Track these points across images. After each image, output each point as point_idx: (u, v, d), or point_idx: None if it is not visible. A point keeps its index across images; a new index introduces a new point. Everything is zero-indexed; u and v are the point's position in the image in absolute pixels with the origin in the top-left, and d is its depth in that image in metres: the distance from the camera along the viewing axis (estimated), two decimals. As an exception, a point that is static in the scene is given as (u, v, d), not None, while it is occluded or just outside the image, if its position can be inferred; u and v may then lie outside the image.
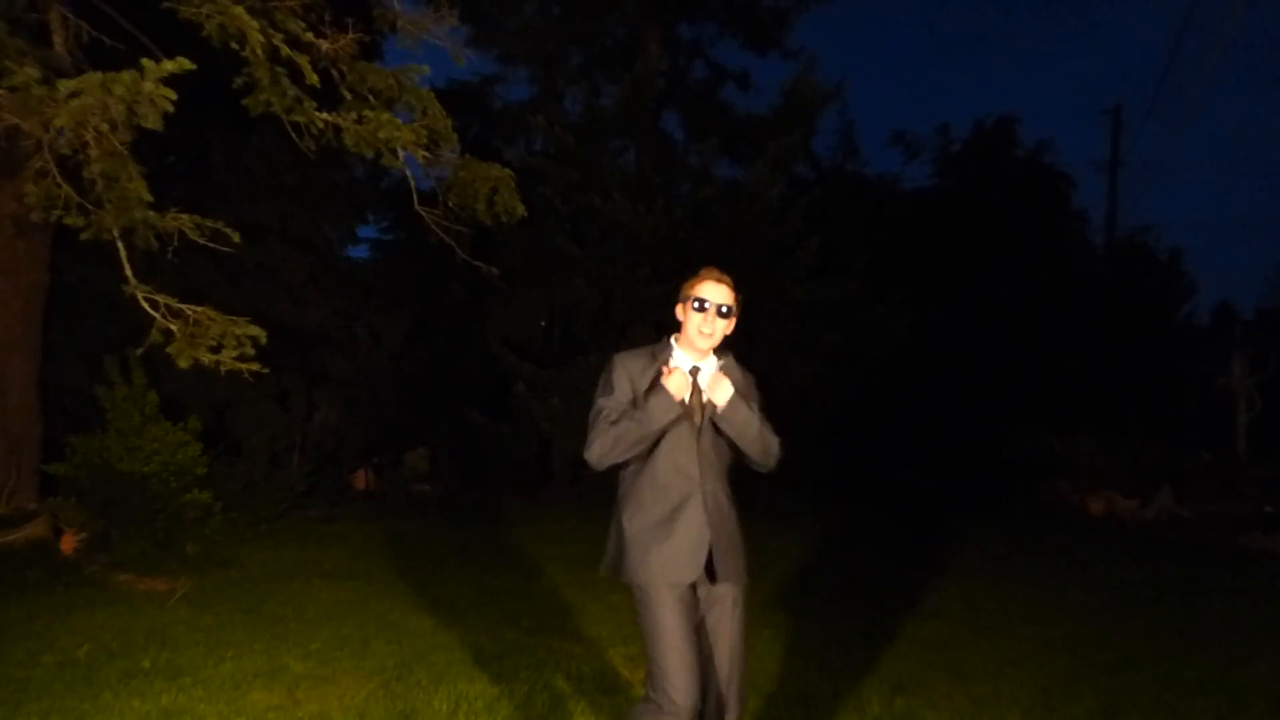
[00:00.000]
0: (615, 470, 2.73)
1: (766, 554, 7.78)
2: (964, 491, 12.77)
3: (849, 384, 11.48)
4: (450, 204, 6.91)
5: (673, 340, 2.77)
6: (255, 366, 5.71)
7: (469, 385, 12.27)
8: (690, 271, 2.77)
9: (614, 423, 2.60)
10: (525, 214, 7.20)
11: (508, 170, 6.99)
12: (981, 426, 14.13)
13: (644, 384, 2.65)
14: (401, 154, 6.39)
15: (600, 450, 2.60)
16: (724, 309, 2.67)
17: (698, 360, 2.72)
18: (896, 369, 12.91)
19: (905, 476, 13.32)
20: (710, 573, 2.62)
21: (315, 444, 10.63)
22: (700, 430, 2.68)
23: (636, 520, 2.64)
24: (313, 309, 10.98)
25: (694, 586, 2.64)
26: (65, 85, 4.75)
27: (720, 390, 2.65)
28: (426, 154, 6.48)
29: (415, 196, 7.00)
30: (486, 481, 11.93)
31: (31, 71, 4.79)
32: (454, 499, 11.30)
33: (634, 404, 2.63)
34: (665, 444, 2.64)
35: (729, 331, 2.72)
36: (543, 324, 12.15)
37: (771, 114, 12.52)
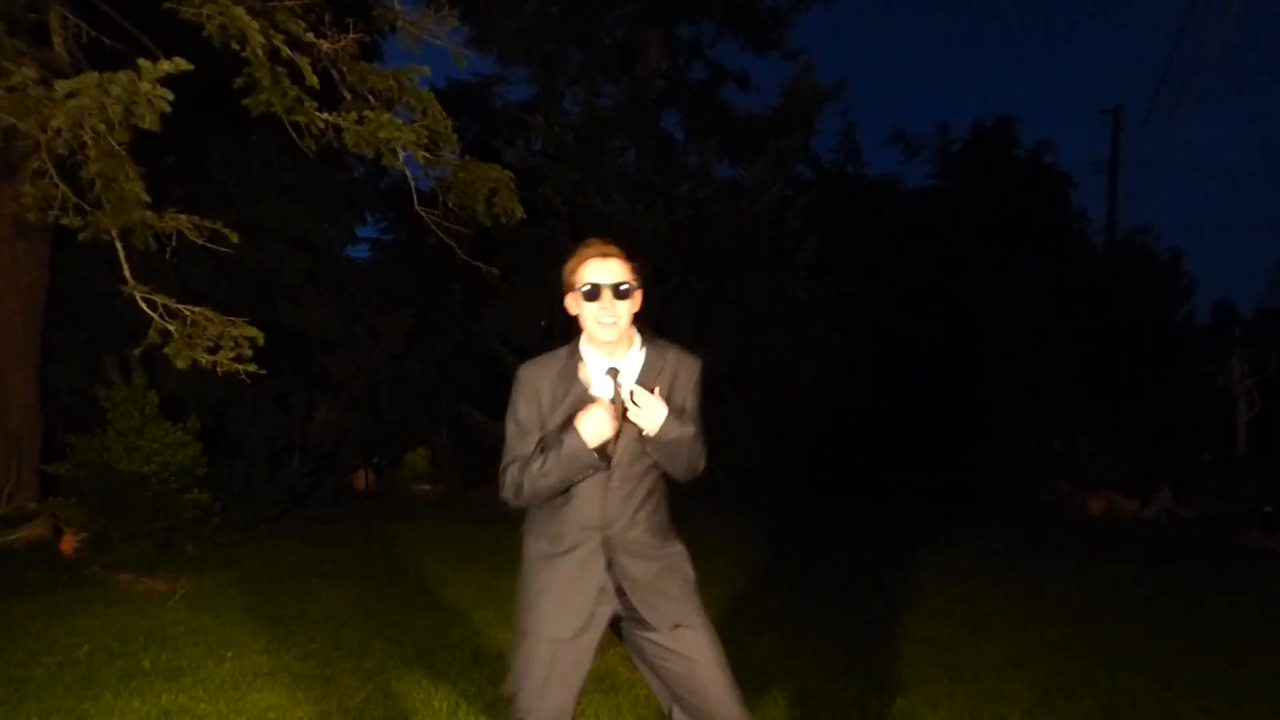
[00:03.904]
0: None
1: (766, 554, 7.79)
2: (964, 491, 12.76)
3: (849, 384, 11.48)
4: (450, 204, 6.91)
5: (582, 342, 2.34)
6: (252, 368, 5.71)
7: (469, 385, 12.26)
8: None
9: (524, 466, 2.26)
10: (524, 215, 7.20)
11: (507, 171, 6.99)
12: (982, 426, 14.12)
13: (555, 403, 2.28)
14: (401, 154, 6.38)
15: (513, 498, 2.30)
16: (621, 288, 2.24)
17: (618, 356, 2.30)
18: (896, 369, 12.91)
19: (905, 477, 13.32)
20: (640, 621, 2.30)
21: (315, 444, 10.62)
22: (612, 468, 2.26)
23: (533, 561, 2.36)
24: (313, 309, 10.97)
25: (615, 624, 2.35)
26: (62, 85, 4.75)
27: (648, 414, 2.22)
28: (426, 154, 6.47)
29: (415, 197, 7.00)
30: (486, 481, 11.91)
31: (29, 71, 4.78)
32: (454, 499, 11.30)
33: (542, 437, 2.28)
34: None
35: (636, 309, 2.31)
36: (543, 324, 12.13)
37: (771, 114, 12.51)
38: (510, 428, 2.34)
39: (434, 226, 6.98)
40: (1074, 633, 5.44)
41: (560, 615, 2.29)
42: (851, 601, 6.18)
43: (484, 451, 11.80)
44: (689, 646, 2.29)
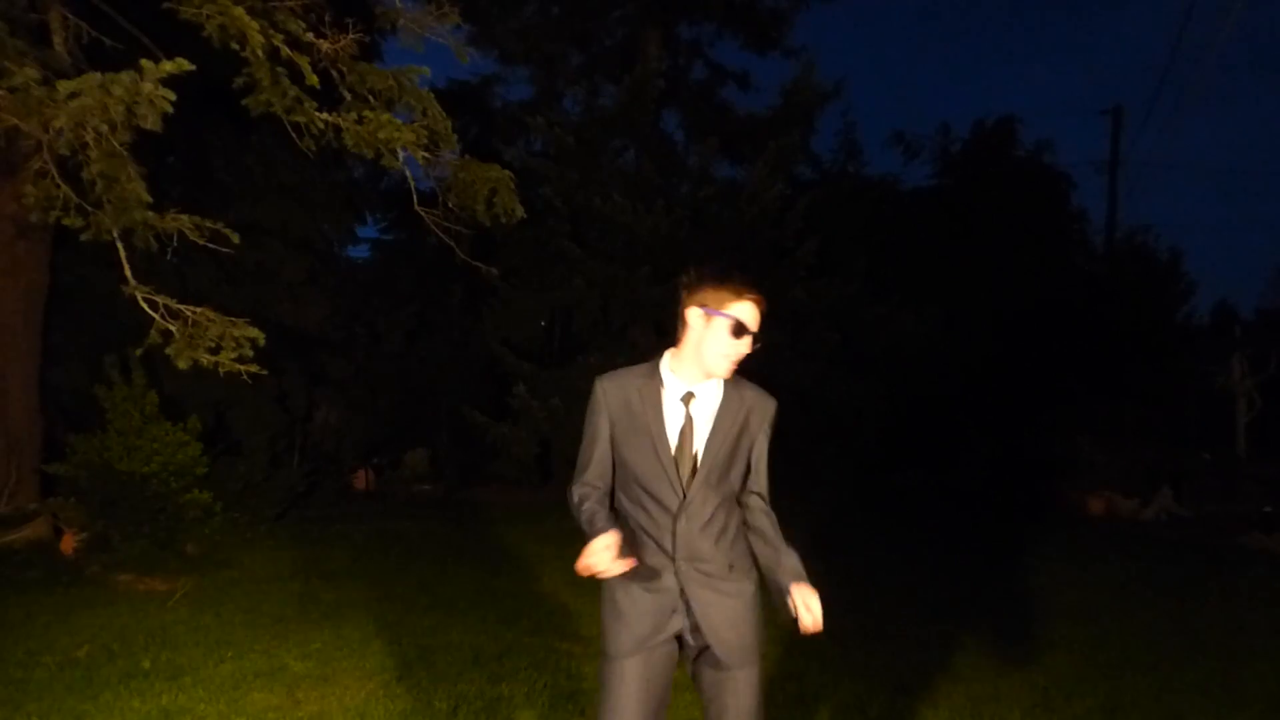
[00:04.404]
0: None
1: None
2: (964, 492, 12.76)
3: (849, 384, 11.48)
4: (450, 204, 6.92)
5: (668, 357, 2.33)
6: (254, 368, 5.72)
7: (469, 385, 12.27)
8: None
9: (576, 488, 2.32)
10: (524, 215, 7.20)
11: (507, 171, 6.99)
12: (981, 426, 14.12)
13: (632, 417, 2.28)
14: (401, 154, 6.38)
15: (574, 515, 2.33)
16: (757, 342, 2.28)
17: (696, 384, 2.30)
18: (896, 369, 12.91)
19: (905, 477, 13.32)
20: (714, 660, 2.31)
21: (315, 444, 10.63)
22: (688, 500, 2.25)
23: (614, 585, 2.30)
24: (313, 309, 10.98)
25: (680, 647, 2.35)
26: (65, 86, 4.75)
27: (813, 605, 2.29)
28: (426, 154, 6.48)
29: (415, 197, 7.00)
30: (486, 481, 11.93)
31: (31, 72, 4.79)
32: (454, 499, 11.30)
33: (611, 442, 2.30)
34: (646, 509, 2.29)
35: None
36: (542, 324, 12.15)
37: (771, 114, 12.51)
38: (584, 443, 2.36)
39: (434, 226, 6.98)
40: (1074, 633, 5.44)
41: (635, 636, 2.28)
42: (852, 601, 6.18)
43: (484, 451, 11.81)
44: (740, 690, 2.31)
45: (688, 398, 2.28)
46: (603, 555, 2.15)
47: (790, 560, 2.37)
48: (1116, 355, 15.04)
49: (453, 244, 7.07)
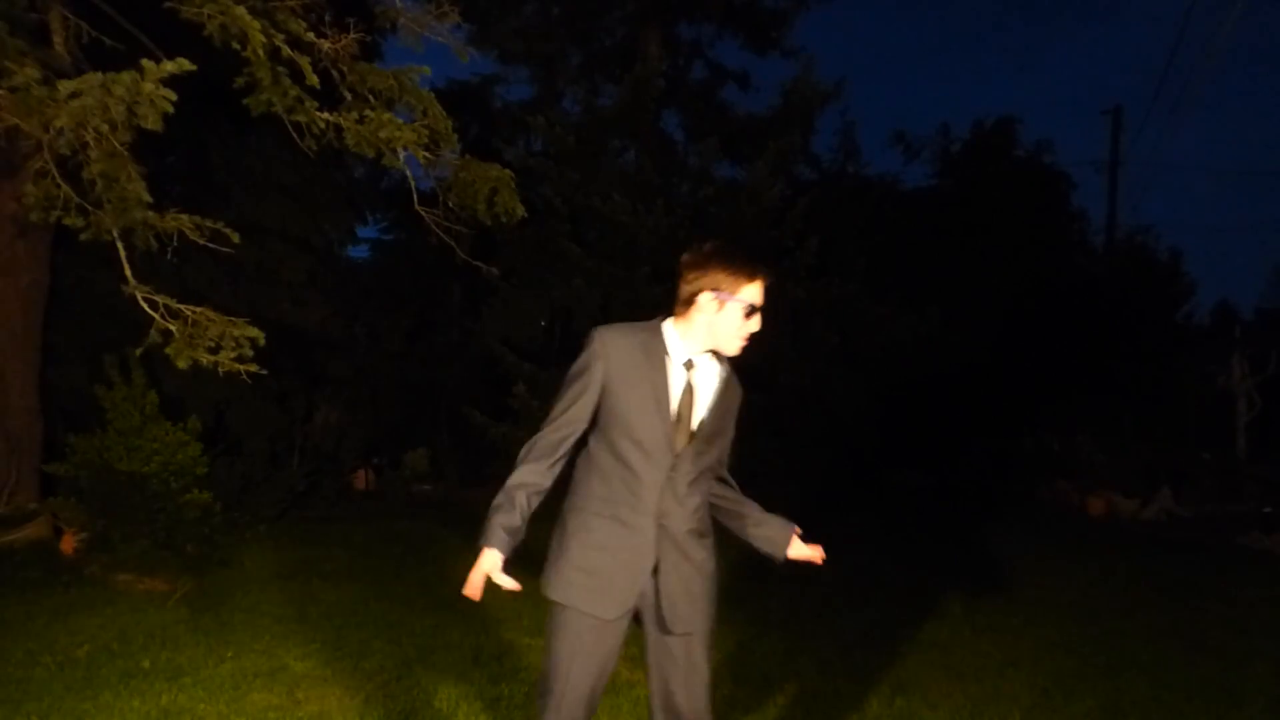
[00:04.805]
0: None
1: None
2: (964, 491, 12.77)
3: (849, 384, 11.47)
4: (450, 204, 6.92)
5: (670, 324, 2.34)
6: (253, 368, 5.71)
7: (469, 385, 12.27)
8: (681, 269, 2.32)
9: (523, 459, 2.30)
10: (525, 214, 7.20)
11: (508, 171, 6.99)
12: (981, 426, 14.12)
13: (635, 369, 2.26)
14: (402, 154, 6.39)
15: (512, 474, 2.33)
16: (763, 311, 2.34)
17: (697, 355, 2.33)
18: (896, 369, 12.91)
19: (905, 477, 13.32)
20: (660, 619, 2.32)
21: (315, 444, 10.63)
22: (678, 461, 2.28)
23: (578, 534, 2.32)
24: (313, 309, 10.97)
25: (636, 619, 2.36)
26: (65, 86, 4.75)
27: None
28: (427, 154, 6.48)
29: (415, 196, 7.00)
30: (486, 482, 11.92)
31: (31, 72, 4.78)
32: (454, 499, 11.30)
33: (604, 392, 2.26)
34: (632, 465, 2.27)
35: None
36: (543, 324, 12.14)
37: (771, 114, 12.50)
38: (571, 383, 2.30)
39: (434, 226, 6.98)
40: (1074, 633, 5.44)
41: (606, 596, 2.28)
42: (851, 601, 6.18)
43: (484, 451, 11.81)
44: (690, 656, 2.33)
45: (689, 365, 2.31)
46: (483, 579, 2.22)
47: (774, 518, 2.52)
48: (1117, 355, 15.04)
49: (453, 244, 7.07)
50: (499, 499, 2.29)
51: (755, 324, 2.31)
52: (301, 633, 5.16)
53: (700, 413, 2.32)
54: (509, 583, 2.24)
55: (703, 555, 2.36)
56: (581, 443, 2.36)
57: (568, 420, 2.30)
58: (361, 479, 11.74)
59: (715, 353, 2.37)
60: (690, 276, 2.31)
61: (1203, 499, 11.85)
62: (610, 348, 2.27)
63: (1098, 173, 19.15)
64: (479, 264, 7.60)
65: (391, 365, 12.00)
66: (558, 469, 2.33)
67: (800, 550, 2.54)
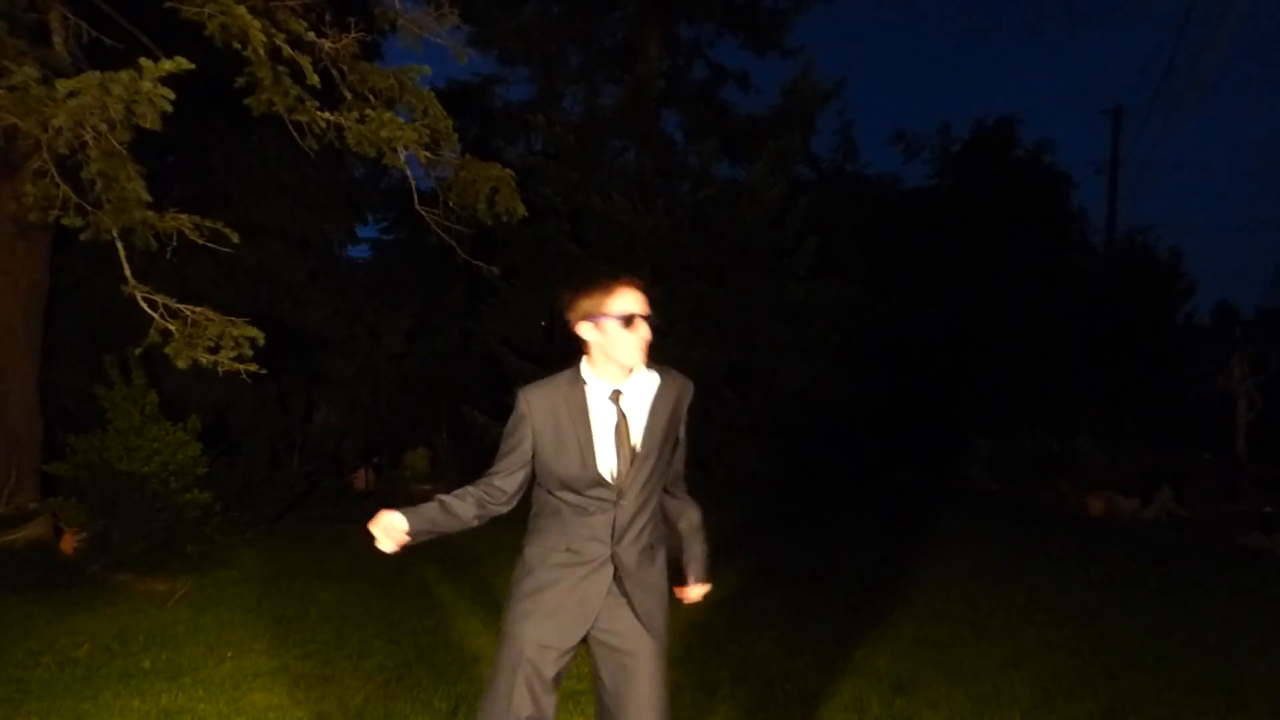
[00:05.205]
0: None
1: (766, 555, 7.79)
2: (963, 491, 12.76)
3: (849, 384, 11.47)
4: (450, 204, 6.92)
5: (584, 365, 2.38)
6: (253, 368, 5.72)
7: (469, 385, 12.26)
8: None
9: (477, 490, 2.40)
10: (526, 214, 7.20)
11: (508, 170, 6.99)
12: (982, 426, 14.12)
13: (557, 426, 2.32)
14: (403, 153, 6.39)
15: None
16: (653, 320, 2.32)
17: (620, 381, 2.35)
18: (896, 369, 12.91)
19: (905, 476, 13.32)
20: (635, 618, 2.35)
21: (315, 444, 10.63)
22: (621, 494, 2.32)
23: (533, 569, 2.37)
24: (313, 309, 10.97)
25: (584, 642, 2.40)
26: (63, 85, 4.75)
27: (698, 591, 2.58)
28: (428, 154, 6.48)
29: (415, 196, 7.00)
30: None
31: (30, 71, 4.79)
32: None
33: (525, 453, 2.37)
34: (576, 505, 2.33)
35: None
36: (543, 324, 12.14)
37: (771, 114, 12.51)
38: (504, 442, 2.43)
39: (434, 226, 6.99)
40: (1074, 633, 5.44)
41: (559, 625, 2.32)
42: (851, 601, 6.17)
43: (484, 451, 11.81)
44: (647, 665, 2.34)
45: (615, 395, 2.35)
46: (391, 533, 2.27)
47: (698, 549, 2.59)
48: (1116, 355, 15.04)
49: (453, 243, 7.07)
50: (438, 509, 2.39)
51: (644, 330, 2.30)
52: (301, 633, 5.16)
53: (637, 435, 2.34)
54: (392, 546, 2.30)
55: (654, 576, 2.41)
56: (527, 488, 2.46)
57: (501, 469, 2.42)
58: (361, 479, 11.74)
59: (654, 367, 2.41)
60: (569, 318, 2.36)
61: (1203, 499, 11.84)
62: (533, 408, 2.35)
63: (1098, 173, 19.17)
64: (479, 264, 7.60)
65: (391, 365, 11.99)
66: (497, 512, 2.43)
67: (693, 596, 2.61)
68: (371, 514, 2.31)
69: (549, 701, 2.32)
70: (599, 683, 2.41)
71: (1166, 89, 48.76)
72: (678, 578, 2.54)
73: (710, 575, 2.62)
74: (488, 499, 2.40)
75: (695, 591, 2.60)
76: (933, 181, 17.61)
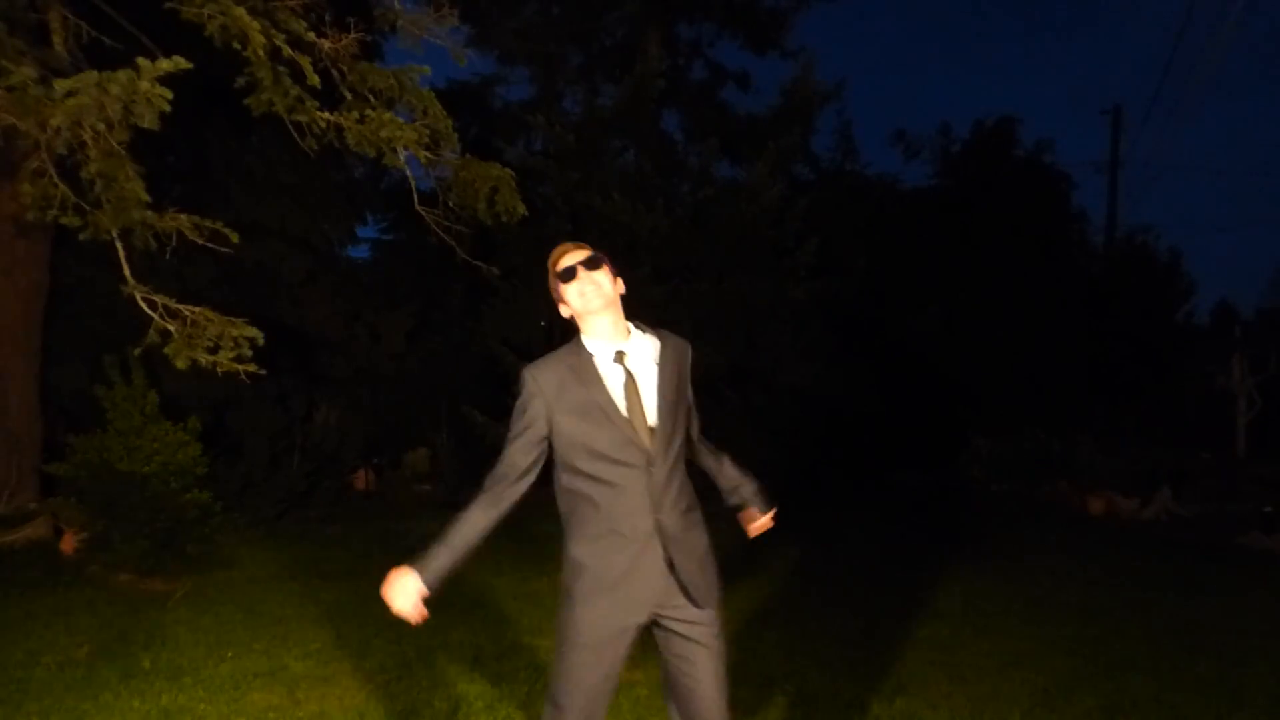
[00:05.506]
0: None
1: (766, 554, 7.78)
2: (963, 491, 12.76)
3: (849, 384, 11.48)
4: (450, 204, 6.92)
5: (583, 337, 2.40)
6: (252, 368, 5.72)
7: (469, 385, 12.26)
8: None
9: (481, 492, 2.41)
10: (526, 213, 7.20)
11: (508, 170, 6.99)
12: (982, 426, 14.12)
13: (563, 397, 2.30)
14: (402, 153, 6.39)
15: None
16: (589, 260, 2.36)
17: (619, 341, 2.37)
18: (897, 368, 12.91)
19: (905, 476, 13.33)
20: (686, 597, 2.33)
21: (315, 444, 10.62)
22: (652, 455, 2.29)
23: (585, 561, 2.32)
24: (313, 309, 10.97)
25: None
26: (61, 85, 4.75)
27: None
28: (428, 154, 6.48)
29: (415, 196, 7.00)
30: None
31: (29, 71, 4.79)
32: (454, 499, 11.29)
33: (540, 430, 2.34)
34: (609, 480, 2.29)
35: (621, 288, 2.41)
36: (542, 324, 12.13)
37: (771, 114, 12.51)
38: (514, 425, 2.38)
39: (434, 226, 6.99)
40: (1074, 633, 5.44)
41: (618, 609, 2.29)
42: (851, 601, 6.17)
43: (484, 451, 11.81)
44: (712, 636, 2.35)
45: (619, 356, 2.34)
46: (407, 599, 2.29)
47: (749, 487, 2.64)
48: (1116, 355, 15.05)
49: (453, 244, 7.07)
50: (447, 529, 2.41)
51: (583, 275, 2.35)
52: (301, 633, 5.15)
53: (650, 395, 2.33)
54: (415, 614, 2.32)
55: (697, 538, 2.38)
56: (545, 479, 2.42)
57: (516, 449, 2.38)
58: (361, 479, 11.74)
59: (642, 328, 2.43)
60: (555, 301, 2.46)
61: (1203, 499, 11.85)
62: (542, 384, 2.33)
63: (1098, 173, 19.18)
64: (479, 264, 7.60)
65: (391, 365, 11.99)
66: (512, 495, 2.43)
67: (761, 525, 2.65)
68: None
69: (614, 684, 2.34)
70: (663, 659, 2.40)
71: (1166, 89, 48.80)
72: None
73: (770, 503, 2.65)
74: (498, 483, 2.39)
75: (763, 521, 2.63)
76: (933, 182, 17.62)
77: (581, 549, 2.34)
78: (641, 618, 2.31)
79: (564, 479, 2.37)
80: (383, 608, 2.37)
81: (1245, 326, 17.97)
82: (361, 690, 4.20)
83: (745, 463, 2.69)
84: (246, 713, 3.93)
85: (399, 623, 4.90)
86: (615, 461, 2.28)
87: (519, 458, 2.37)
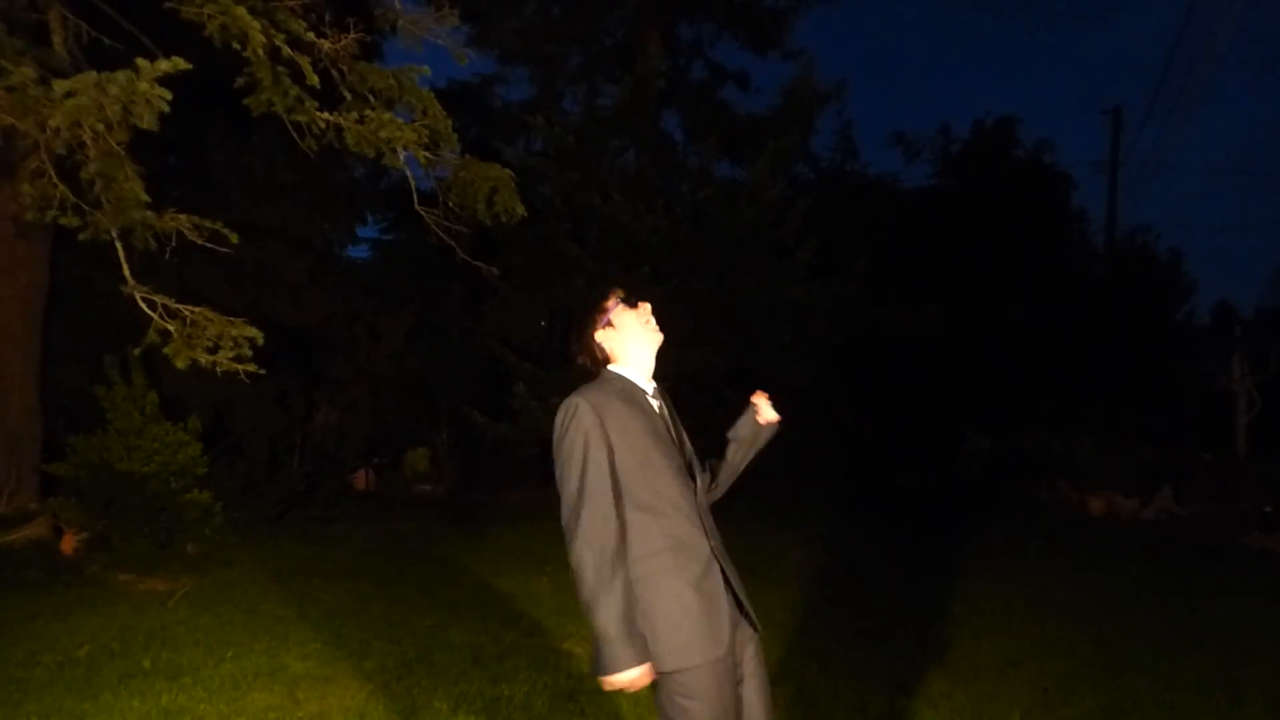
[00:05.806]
0: None
1: (767, 554, 7.78)
2: (963, 491, 12.76)
3: (849, 384, 11.48)
4: (450, 204, 6.92)
5: (615, 369, 2.31)
6: (251, 368, 5.72)
7: (469, 385, 12.27)
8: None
9: (602, 555, 2.06)
10: (525, 214, 7.20)
11: (508, 170, 6.99)
12: (981, 426, 14.12)
13: (634, 425, 2.17)
14: (402, 154, 6.39)
15: (579, 573, 2.07)
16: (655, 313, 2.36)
17: (643, 381, 2.32)
18: (897, 369, 12.91)
19: (905, 476, 13.32)
20: (747, 620, 2.30)
21: (315, 444, 10.63)
22: (697, 485, 2.28)
23: (663, 595, 2.13)
24: (313, 309, 10.98)
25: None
26: (60, 85, 4.75)
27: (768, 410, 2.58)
28: (427, 154, 6.48)
29: (415, 196, 7.00)
30: (486, 481, 11.93)
31: (28, 71, 4.79)
32: (454, 499, 11.29)
33: (613, 467, 2.11)
34: (672, 506, 2.17)
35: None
36: (542, 324, 12.14)
37: (771, 114, 12.52)
38: (583, 461, 2.12)
39: (434, 226, 6.99)
40: (1074, 633, 5.44)
41: (719, 632, 2.17)
42: (851, 601, 6.18)
43: (484, 451, 11.82)
44: (758, 664, 2.32)
45: (658, 390, 2.35)
46: (645, 677, 2.12)
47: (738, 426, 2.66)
48: (1116, 355, 15.05)
49: (453, 244, 7.07)
50: (618, 603, 2.08)
51: (646, 308, 2.35)
52: (301, 633, 5.15)
53: (678, 431, 2.35)
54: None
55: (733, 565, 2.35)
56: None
57: (597, 490, 2.12)
58: (361, 479, 11.74)
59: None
60: (586, 344, 2.34)
61: (1203, 499, 11.85)
62: (600, 410, 2.14)
63: (1098, 173, 19.17)
64: (479, 264, 7.60)
65: (391, 365, 11.99)
66: (619, 534, 2.14)
67: (768, 416, 2.67)
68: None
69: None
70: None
71: (1166, 89, 48.82)
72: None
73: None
74: (609, 553, 2.09)
75: (764, 407, 2.68)
76: (933, 182, 17.61)
77: (653, 585, 2.16)
78: (727, 637, 2.19)
79: (629, 515, 2.16)
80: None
81: (1245, 326, 17.94)
82: (361, 690, 4.20)
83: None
84: (246, 713, 3.93)
85: (399, 622, 4.91)
86: (680, 481, 2.22)
87: (605, 503, 2.10)
